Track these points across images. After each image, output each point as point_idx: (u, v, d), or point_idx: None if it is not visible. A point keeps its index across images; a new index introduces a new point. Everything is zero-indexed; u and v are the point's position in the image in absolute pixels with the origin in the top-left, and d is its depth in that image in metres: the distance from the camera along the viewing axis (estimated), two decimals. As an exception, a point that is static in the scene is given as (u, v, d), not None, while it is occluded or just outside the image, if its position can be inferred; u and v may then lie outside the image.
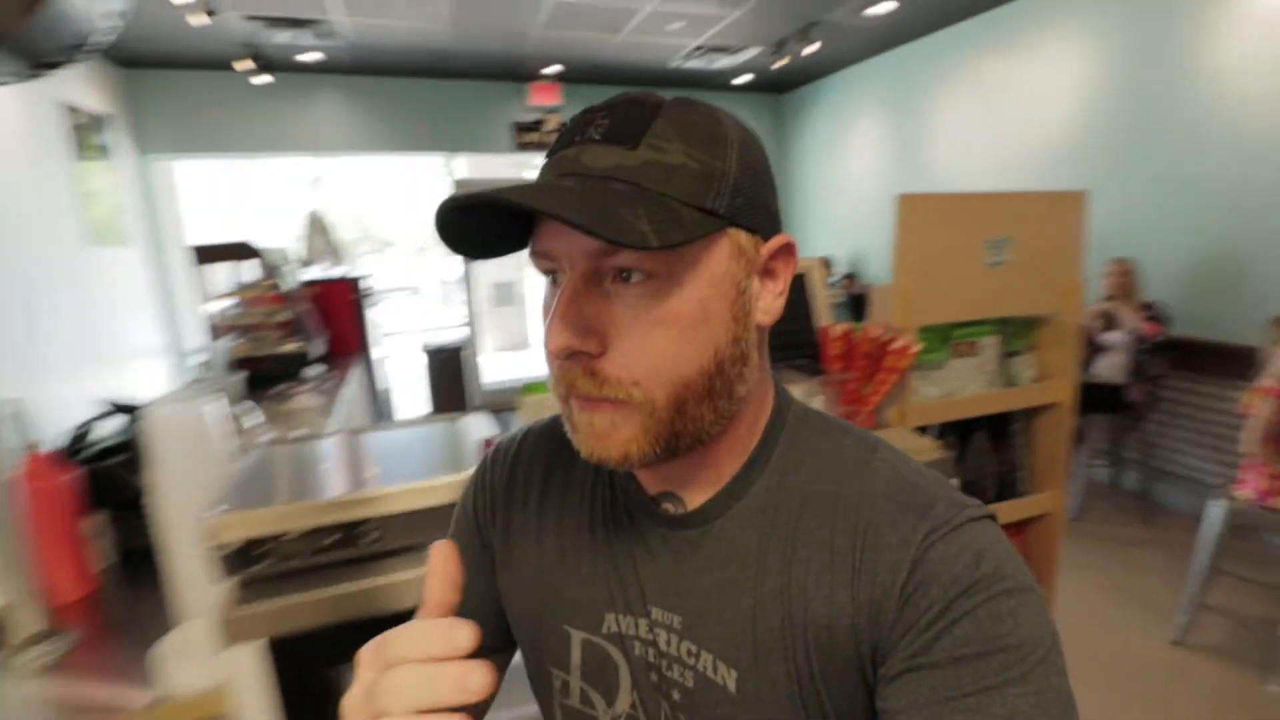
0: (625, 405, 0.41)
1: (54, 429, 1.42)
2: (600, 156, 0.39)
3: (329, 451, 1.22)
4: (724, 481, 0.47)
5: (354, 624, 0.92)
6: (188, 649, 0.92)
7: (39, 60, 1.06)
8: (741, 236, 0.42)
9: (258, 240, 2.81)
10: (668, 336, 0.40)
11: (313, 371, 2.79)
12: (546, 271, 0.43)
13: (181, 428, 1.01)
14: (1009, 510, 1.74)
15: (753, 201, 0.42)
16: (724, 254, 0.41)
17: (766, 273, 0.45)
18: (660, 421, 0.41)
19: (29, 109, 2.88)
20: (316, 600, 0.90)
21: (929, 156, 4.57)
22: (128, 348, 3.67)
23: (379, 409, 3.60)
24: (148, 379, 3.78)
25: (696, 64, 4.78)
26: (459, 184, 4.62)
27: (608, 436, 0.41)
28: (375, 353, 3.62)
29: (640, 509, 0.49)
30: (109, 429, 1.47)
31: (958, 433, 1.75)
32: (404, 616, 0.34)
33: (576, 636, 0.50)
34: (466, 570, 0.57)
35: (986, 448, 1.78)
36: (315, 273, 3.44)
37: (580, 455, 0.43)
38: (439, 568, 0.34)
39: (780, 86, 5.87)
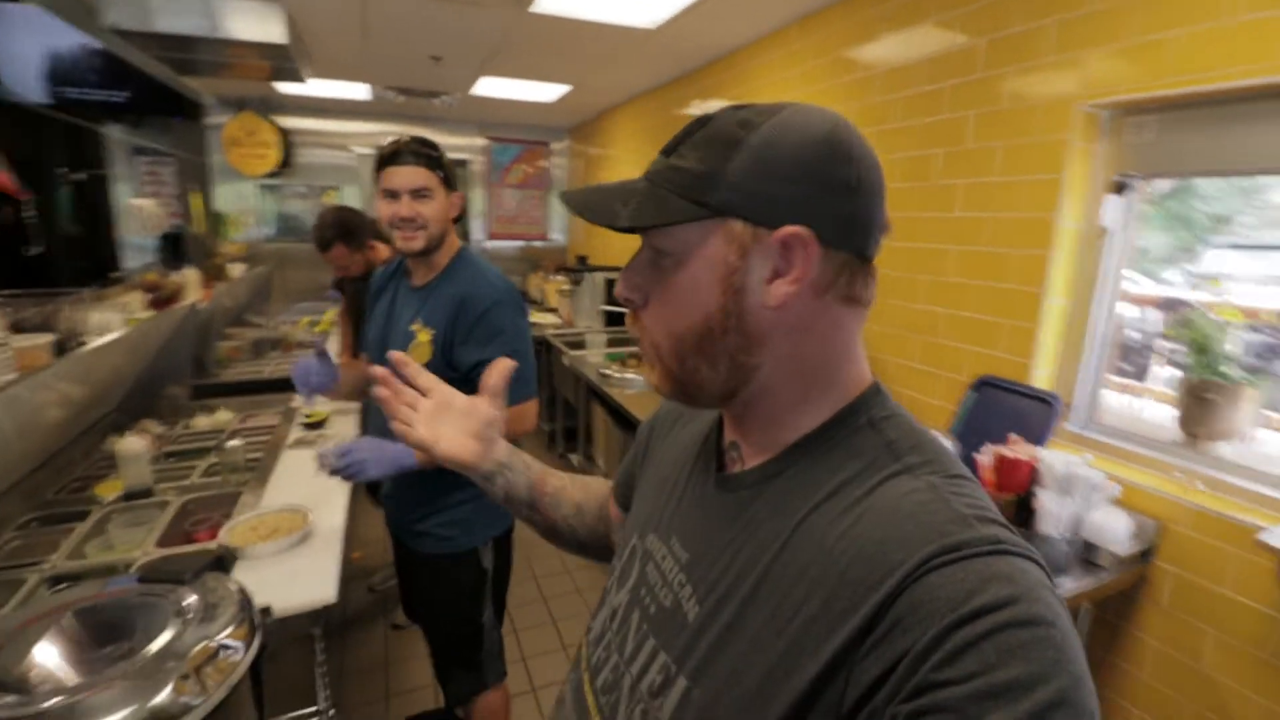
0: (649, 352, 0.53)
1: None
2: (655, 163, 0.51)
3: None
4: (778, 450, 0.51)
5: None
6: None
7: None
8: (737, 226, 0.47)
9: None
10: (670, 300, 0.50)
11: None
12: None
13: None
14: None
15: (753, 195, 0.46)
16: (719, 240, 0.47)
17: (782, 260, 0.46)
18: (668, 366, 0.52)
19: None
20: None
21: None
22: None
23: None
24: None
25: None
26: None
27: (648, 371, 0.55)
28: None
29: (717, 463, 0.58)
30: None
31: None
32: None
33: (631, 538, 0.64)
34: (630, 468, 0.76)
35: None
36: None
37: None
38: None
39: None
